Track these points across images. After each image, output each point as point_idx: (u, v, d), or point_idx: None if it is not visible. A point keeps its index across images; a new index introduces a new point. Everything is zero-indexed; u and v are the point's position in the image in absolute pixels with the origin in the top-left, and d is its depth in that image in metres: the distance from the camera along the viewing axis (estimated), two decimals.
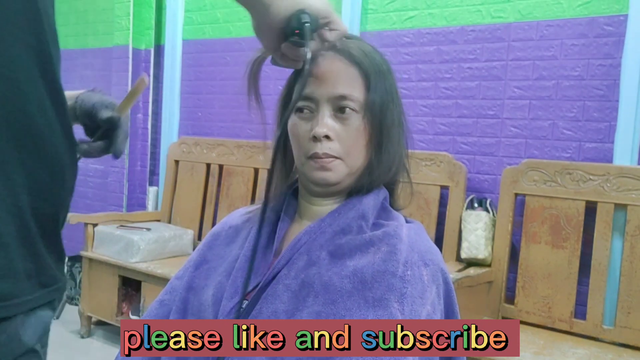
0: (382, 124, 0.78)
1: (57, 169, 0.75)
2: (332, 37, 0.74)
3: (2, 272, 0.66)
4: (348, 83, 0.77)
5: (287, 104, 0.82)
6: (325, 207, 0.81)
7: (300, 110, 0.78)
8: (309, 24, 0.69)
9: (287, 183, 0.86)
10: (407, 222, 0.82)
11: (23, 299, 0.70)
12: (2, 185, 0.67)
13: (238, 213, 0.92)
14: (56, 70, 0.71)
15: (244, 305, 0.75)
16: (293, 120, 0.79)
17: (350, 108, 0.76)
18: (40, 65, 0.68)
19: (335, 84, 0.77)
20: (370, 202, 0.80)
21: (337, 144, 0.76)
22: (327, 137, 0.76)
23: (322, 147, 0.76)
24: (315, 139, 0.76)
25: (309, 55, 0.69)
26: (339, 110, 0.77)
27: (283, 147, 0.84)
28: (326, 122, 0.76)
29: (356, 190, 0.81)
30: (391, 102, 0.80)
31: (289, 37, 0.70)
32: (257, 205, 0.88)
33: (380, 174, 0.80)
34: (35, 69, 0.68)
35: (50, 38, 0.70)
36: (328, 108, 0.77)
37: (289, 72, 0.87)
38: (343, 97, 0.76)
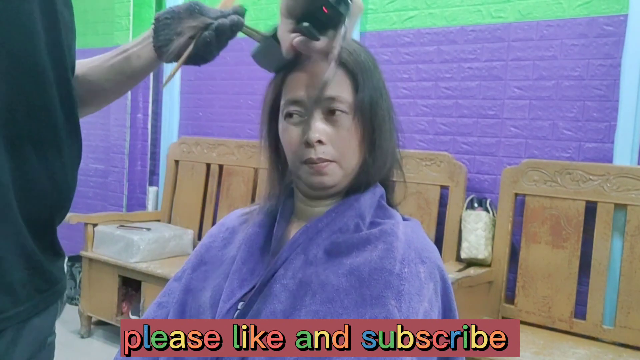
0: (373, 122, 0.78)
1: (59, 174, 0.73)
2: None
3: None
4: (335, 85, 0.76)
5: (277, 107, 0.81)
6: (322, 208, 0.81)
7: (289, 115, 0.77)
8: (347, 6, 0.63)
9: (283, 184, 0.85)
10: (404, 219, 0.82)
11: (14, 312, 0.69)
12: None
13: (235, 214, 0.92)
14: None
15: (241, 307, 0.75)
16: (283, 125, 0.79)
17: (340, 110, 0.76)
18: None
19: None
20: (367, 201, 0.80)
21: (331, 147, 0.76)
22: (319, 141, 0.75)
23: (317, 152, 0.75)
24: (308, 144, 0.75)
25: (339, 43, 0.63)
26: (329, 112, 0.76)
27: (276, 149, 0.83)
28: (317, 127, 0.75)
29: (353, 190, 0.80)
30: (380, 98, 0.79)
31: (309, 17, 0.65)
32: (254, 207, 0.88)
33: (376, 171, 0.80)
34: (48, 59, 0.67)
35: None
36: (318, 111, 0.76)
37: None
38: (332, 99, 0.75)
